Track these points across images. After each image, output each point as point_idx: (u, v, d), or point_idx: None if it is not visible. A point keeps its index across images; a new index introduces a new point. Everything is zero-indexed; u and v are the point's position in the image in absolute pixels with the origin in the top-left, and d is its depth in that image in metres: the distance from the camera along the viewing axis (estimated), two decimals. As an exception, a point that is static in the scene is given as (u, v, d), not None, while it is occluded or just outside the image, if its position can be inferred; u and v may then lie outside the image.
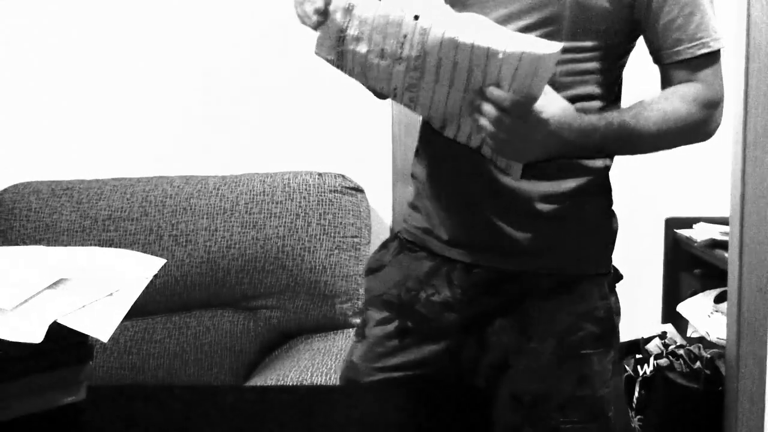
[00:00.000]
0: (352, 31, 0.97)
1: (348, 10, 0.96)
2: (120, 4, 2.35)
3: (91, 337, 0.84)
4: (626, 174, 3.74)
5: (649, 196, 3.22)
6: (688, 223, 2.91)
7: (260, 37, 2.28)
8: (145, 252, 0.99)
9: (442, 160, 1.19)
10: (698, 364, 2.11)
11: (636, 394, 2.24)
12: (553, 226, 1.15)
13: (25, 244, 1.89)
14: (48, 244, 1.87)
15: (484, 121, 0.93)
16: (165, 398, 1.05)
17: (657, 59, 1.17)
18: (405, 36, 0.94)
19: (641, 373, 2.24)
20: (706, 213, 2.95)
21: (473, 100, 0.94)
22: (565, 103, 0.99)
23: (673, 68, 1.14)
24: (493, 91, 0.91)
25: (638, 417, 2.24)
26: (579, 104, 1.04)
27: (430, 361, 1.19)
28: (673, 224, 3.01)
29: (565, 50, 0.92)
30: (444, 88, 0.97)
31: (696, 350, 2.16)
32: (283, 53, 2.22)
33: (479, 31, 0.93)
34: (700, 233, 2.69)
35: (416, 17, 0.93)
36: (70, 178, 2.06)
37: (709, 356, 2.12)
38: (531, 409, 1.13)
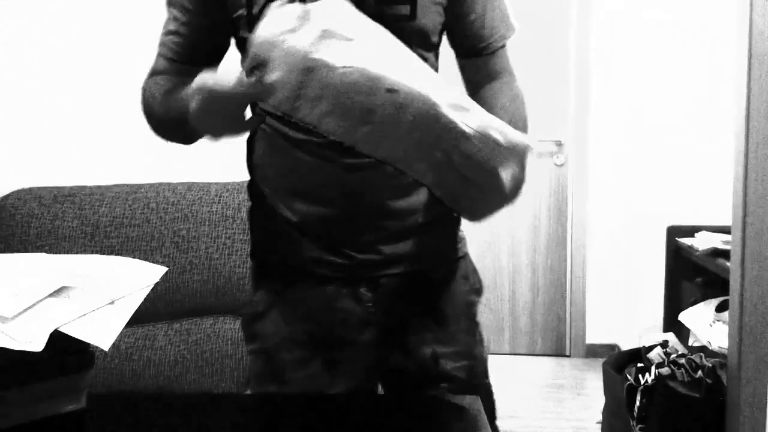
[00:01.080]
0: (310, 92, 0.87)
1: (308, 71, 0.86)
2: (121, 11, 2.36)
3: (92, 345, 0.84)
4: (628, 183, 3.76)
5: (651, 205, 3.24)
6: (690, 231, 2.91)
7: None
8: (146, 258, 0.99)
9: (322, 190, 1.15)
10: (700, 373, 2.11)
11: (637, 402, 2.24)
12: (434, 227, 1.21)
13: (26, 250, 1.89)
14: (50, 250, 1.87)
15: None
16: (166, 406, 1.05)
17: (468, 53, 1.21)
18: (375, 107, 0.88)
19: (643, 381, 2.24)
20: (707, 222, 2.95)
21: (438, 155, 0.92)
22: None
23: (484, 59, 1.22)
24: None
25: (640, 426, 2.24)
26: None
27: (364, 379, 1.21)
28: (674, 233, 3.02)
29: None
30: (404, 142, 0.92)
31: (697, 359, 2.16)
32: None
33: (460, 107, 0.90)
34: (701, 242, 2.69)
35: (389, 90, 0.87)
36: (72, 185, 2.06)
37: (710, 365, 2.12)
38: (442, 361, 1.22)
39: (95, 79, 2.36)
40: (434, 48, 1.19)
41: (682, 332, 2.66)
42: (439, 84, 0.91)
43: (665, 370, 2.18)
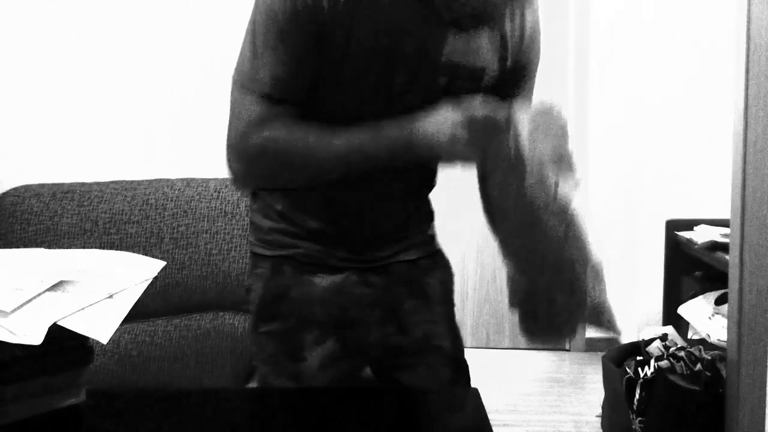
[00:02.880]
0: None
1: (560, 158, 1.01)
2: (120, 9, 2.35)
3: (91, 340, 0.84)
4: (627, 176, 3.76)
5: (650, 199, 3.24)
6: (689, 225, 2.91)
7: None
8: (145, 254, 0.99)
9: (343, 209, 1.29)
10: (699, 366, 2.11)
11: (637, 395, 2.24)
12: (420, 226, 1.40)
13: (26, 246, 1.89)
14: (49, 247, 1.87)
15: None
16: (165, 401, 1.05)
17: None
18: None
19: (642, 375, 2.24)
20: (706, 215, 2.95)
21: None
22: None
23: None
24: None
25: (639, 419, 2.24)
26: None
27: (368, 355, 1.34)
28: (673, 226, 3.02)
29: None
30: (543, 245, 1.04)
31: (697, 352, 2.16)
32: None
33: None
34: (700, 235, 2.69)
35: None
36: (71, 181, 2.07)
37: (709, 358, 2.12)
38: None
39: (94, 77, 2.36)
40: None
41: (681, 325, 2.66)
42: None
43: (664, 363, 2.19)
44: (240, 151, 1.12)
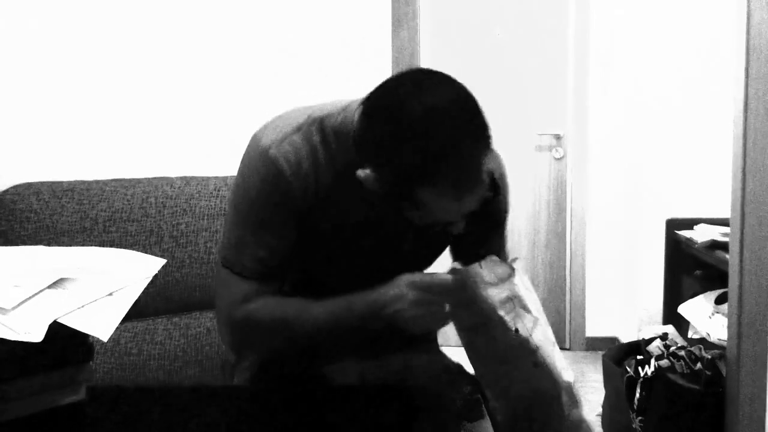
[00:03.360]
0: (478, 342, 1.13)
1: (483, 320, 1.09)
2: (120, 9, 2.35)
3: (92, 337, 0.84)
4: (627, 175, 3.76)
5: (650, 198, 3.24)
6: (689, 224, 2.91)
7: (262, 39, 2.28)
8: (145, 252, 0.99)
9: None
10: (699, 365, 2.11)
11: (637, 395, 2.24)
12: None
13: (26, 244, 1.89)
14: (49, 245, 1.87)
15: None
16: (165, 399, 1.05)
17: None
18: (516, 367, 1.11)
19: (642, 374, 2.24)
20: (706, 214, 2.95)
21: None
22: None
23: None
24: None
25: (639, 418, 2.24)
26: None
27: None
28: (673, 225, 3.02)
29: None
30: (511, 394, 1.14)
31: (697, 351, 2.16)
32: (285, 54, 2.22)
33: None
34: (700, 234, 2.69)
35: (535, 365, 1.11)
36: (71, 179, 2.06)
37: (709, 357, 2.12)
38: None
39: (94, 75, 2.36)
40: None
41: (682, 324, 2.66)
42: (567, 368, 1.14)
43: (665, 363, 2.19)
44: (228, 325, 1.24)
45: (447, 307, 1.08)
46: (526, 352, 1.08)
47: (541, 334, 1.11)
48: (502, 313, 1.07)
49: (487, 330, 1.09)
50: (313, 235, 1.19)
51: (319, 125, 1.16)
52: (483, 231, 1.26)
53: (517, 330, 1.08)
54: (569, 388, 1.12)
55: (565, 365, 1.14)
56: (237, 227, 1.20)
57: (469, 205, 1.05)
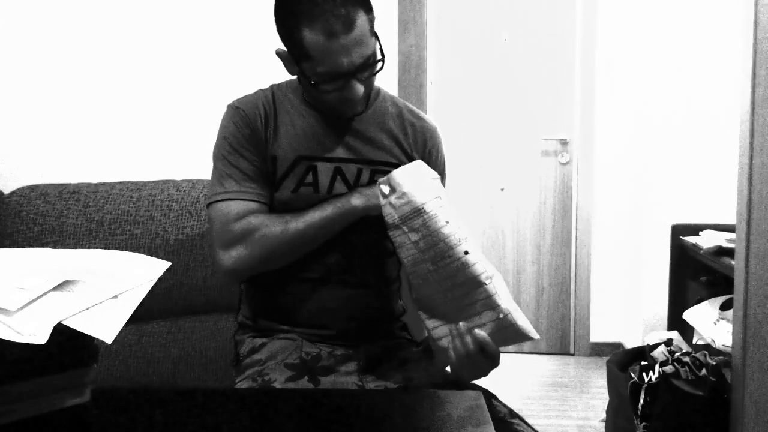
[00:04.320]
0: (413, 224, 1.23)
1: (420, 212, 1.22)
2: (126, 11, 2.36)
3: (96, 340, 0.84)
4: (633, 181, 3.75)
5: (656, 203, 3.23)
6: (695, 230, 2.91)
7: (270, 44, 2.29)
8: (151, 256, 1.00)
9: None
10: (704, 371, 2.11)
11: (641, 400, 2.24)
12: None
13: (31, 246, 1.89)
14: (54, 247, 1.88)
15: (459, 346, 1.23)
16: (169, 401, 1.05)
17: None
18: (449, 257, 1.19)
19: (647, 380, 2.23)
20: (712, 220, 2.95)
21: (462, 328, 1.23)
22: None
23: None
24: (478, 335, 1.21)
25: (644, 424, 2.23)
26: None
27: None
28: (679, 231, 3.01)
29: None
30: (444, 295, 1.23)
31: (702, 357, 2.15)
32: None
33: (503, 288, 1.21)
34: (706, 240, 2.68)
35: (466, 252, 1.19)
36: (77, 182, 2.07)
37: (714, 363, 2.11)
38: None
39: (101, 78, 2.37)
40: None
41: (687, 330, 2.65)
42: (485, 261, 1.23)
43: (669, 369, 2.18)
44: (225, 241, 1.36)
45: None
46: (457, 241, 1.20)
47: (469, 233, 1.22)
48: (434, 204, 1.21)
49: (425, 221, 1.21)
50: (273, 163, 1.41)
51: (273, 85, 1.50)
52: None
53: (448, 222, 1.20)
54: (497, 278, 1.21)
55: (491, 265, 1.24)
56: (218, 168, 1.42)
57: (354, 56, 1.25)
